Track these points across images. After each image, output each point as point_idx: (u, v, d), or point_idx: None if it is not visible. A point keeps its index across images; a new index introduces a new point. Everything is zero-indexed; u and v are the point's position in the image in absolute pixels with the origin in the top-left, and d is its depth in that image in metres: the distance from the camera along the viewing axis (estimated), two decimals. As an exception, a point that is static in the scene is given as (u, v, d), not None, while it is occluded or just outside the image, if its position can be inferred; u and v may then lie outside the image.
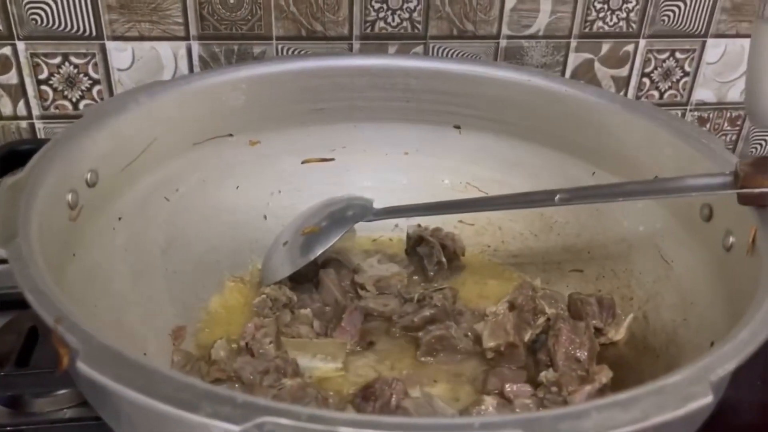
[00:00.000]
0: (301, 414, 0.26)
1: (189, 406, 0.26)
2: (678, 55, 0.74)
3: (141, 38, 0.65)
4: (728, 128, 0.79)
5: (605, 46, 0.73)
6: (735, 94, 0.77)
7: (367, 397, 0.43)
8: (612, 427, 0.26)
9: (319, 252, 0.55)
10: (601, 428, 0.26)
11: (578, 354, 0.46)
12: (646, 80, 0.75)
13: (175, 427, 0.28)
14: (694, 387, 0.28)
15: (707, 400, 0.27)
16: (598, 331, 0.50)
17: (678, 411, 0.27)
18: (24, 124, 0.67)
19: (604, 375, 0.43)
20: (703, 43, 0.74)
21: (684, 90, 0.76)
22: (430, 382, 0.48)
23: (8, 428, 0.46)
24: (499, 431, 0.25)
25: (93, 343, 0.28)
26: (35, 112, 0.66)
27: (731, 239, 0.43)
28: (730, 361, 0.30)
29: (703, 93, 0.77)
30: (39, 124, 0.67)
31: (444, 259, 0.58)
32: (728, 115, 0.78)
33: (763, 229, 0.40)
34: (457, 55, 0.70)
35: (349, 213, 0.58)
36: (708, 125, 0.78)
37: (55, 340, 0.30)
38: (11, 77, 0.65)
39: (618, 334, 0.50)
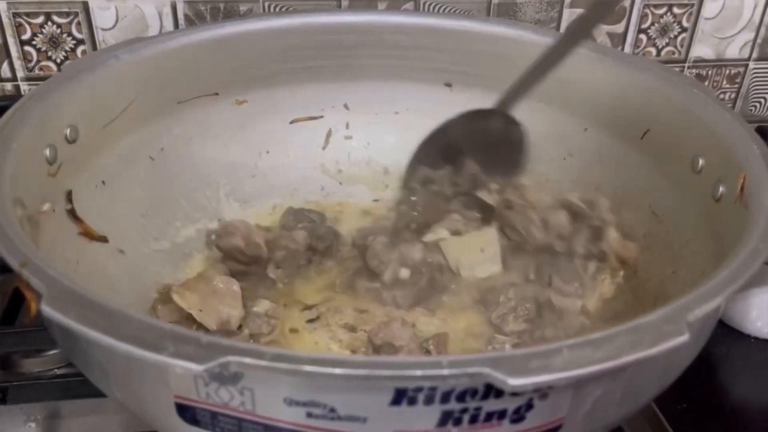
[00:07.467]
0: (265, 353, 0.25)
1: (152, 346, 0.25)
2: (675, 9, 0.72)
3: (124, -4, 0.63)
4: (727, 86, 0.77)
5: (600, 2, 0.71)
6: (734, 50, 0.75)
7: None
8: (583, 365, 0.25)
9: None
10: (572, 366, 0.25)
11: None
12: (642, 36, 0.73)
13: (141, 369, 0.27)
14: (670, 326, 0.27)
15: (683, 339, 0.27)
16: None
17: (652, 349, 0.26)
18: (9, 86, 0.66)
19: None
20: (701, -3, 0.72)
21: (682, 47, 0.74)
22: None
23: (-5, 385, 0.47)
24: (467, 369, 0.25)
25: (57, 286, 0.28)
26: (20, 74, 0.65)
27: (721, 189, 0.43)
28: (709, 302, 0.29)
29: (701, 49, 0.75)
30: (24, 86, 0.66)
31: None
32: (727, 72, 0.77)
33: (752, 176, 0.40)
34: (449, 10, 0.69)
35: None
36: (707, 83, 0.76)
37: (22, 286, 0.29)
38: (-6, 38, 0.64)
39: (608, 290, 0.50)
